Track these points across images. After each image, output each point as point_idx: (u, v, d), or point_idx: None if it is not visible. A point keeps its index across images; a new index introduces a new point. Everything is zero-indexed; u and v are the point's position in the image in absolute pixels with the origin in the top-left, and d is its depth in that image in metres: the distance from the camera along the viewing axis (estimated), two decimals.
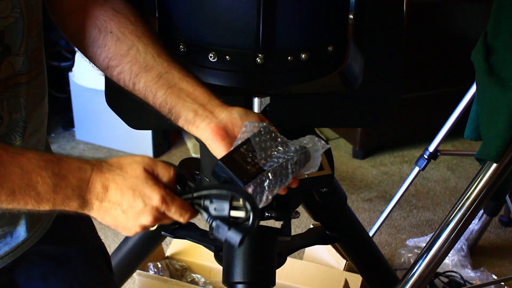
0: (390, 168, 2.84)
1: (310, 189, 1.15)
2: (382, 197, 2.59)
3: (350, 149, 2.95)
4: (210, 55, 0.94)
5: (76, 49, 0.95)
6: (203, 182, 1.14)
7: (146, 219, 0.75)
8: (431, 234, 1.31)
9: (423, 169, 1.97)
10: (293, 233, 1.12)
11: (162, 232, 1.27)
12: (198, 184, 0.79)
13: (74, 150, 3.03)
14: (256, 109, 1.02)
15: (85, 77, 2.80)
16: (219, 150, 0.83)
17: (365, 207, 2.51)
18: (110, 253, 1.48)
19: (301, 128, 1.09)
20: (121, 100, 1.01)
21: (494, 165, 1.22)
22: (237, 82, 0.97)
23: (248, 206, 0.74)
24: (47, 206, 0.73)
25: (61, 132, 3.19)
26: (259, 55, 0.93)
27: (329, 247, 1.86)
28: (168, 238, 1.72)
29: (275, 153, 0.81)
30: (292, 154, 0.80)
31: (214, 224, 0.76)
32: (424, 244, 1.29)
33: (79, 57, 2.86)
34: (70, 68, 2.95)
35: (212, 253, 1.19)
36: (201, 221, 2.10)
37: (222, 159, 0.80)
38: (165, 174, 0.77)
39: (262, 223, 1.09)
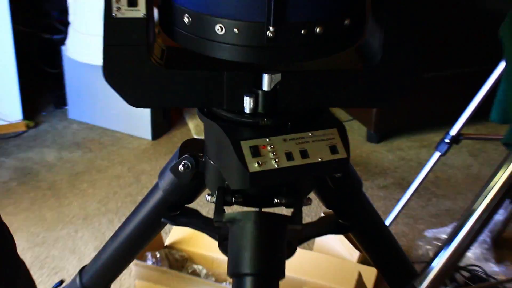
0: (408, 153, 2.83)
1: (323, 173, 1.14)
2: (398, 184, 2.59)
3: (364, 132, 2.95)
4: (217, 27, 0.94)
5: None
6: (207, 165, 1.14)
7: None
8: (452, 225, 1.31)
9: (444, 154, 1.97)
10: (303, 221, 1.11)
11: (162, 219, 1.27)
12: None
13: (66, 130, 3.04)
14: (265, 86, 1.01)
15: (79, 51, 2.80)
16: None
17: (380, 194, 2.51)
18: (105, 241, 1.48)
19: (314, 108, 1.09)
20: (121, 75, 1.00)
21: None
22: (246, 57, 0.96)
23: None
24: None
25: (52, 111, 3.19)
26: (270, 28, 0.92)
27: (342, 237, 1.86)
28: (167, 226, 1.72)
29: None
30: None
31: None
32: (444, 236, 1.29)
33: (72, 30, 2.86)
34: (62, 41, 2.94)
35: (216, 242, 1.19)
36: (203, 207, 2.10)
37: None
38: None
39: (271, 210, 1.09)
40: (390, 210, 2.18)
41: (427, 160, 2.05)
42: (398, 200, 2.16)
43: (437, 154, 1.99)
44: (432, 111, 2.90)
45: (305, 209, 1.14)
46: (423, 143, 2.91)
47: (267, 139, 1.00)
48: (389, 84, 1.08)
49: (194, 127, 2.98)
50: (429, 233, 2.23)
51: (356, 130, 2.98)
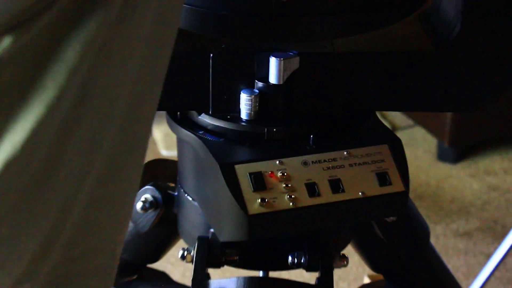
0: (503, 180, 2.84)
1: (367, 217, 1.15)
2: (488, 229, 2.60)
3: (434, 146, 2.96)
4: None
5: None
6: (182, 201, 1.15)
7: None
8: None
9: None
10: None
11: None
12: None
13: None
14: (274, 77, 1.02)
15: None
16: None
17: (460, 246, 2.52)
18: None
19: (351, 112, 1.10)
20: None
21: None
22: (243, 31, 0.97)
23: None
24: None
25: None
26: None
27: None
28: None
29: None
30: None
31: None
32: None
33: None
34: None
35: None
36: (176, 268, 2.10)
37: None
38: None
39: (286, 275, 1.09)
40: (477, 272, 2.19)
41: None
42: (488, 256, 2.16)
43: None
44: None
45: (338, 272, 1.15)
46: None
47: (277, 162, 1.01)
48: (473, 74, 1.09)
49: (163, 139, 2.99)
50: None
51: (421, 143, 2.99)
